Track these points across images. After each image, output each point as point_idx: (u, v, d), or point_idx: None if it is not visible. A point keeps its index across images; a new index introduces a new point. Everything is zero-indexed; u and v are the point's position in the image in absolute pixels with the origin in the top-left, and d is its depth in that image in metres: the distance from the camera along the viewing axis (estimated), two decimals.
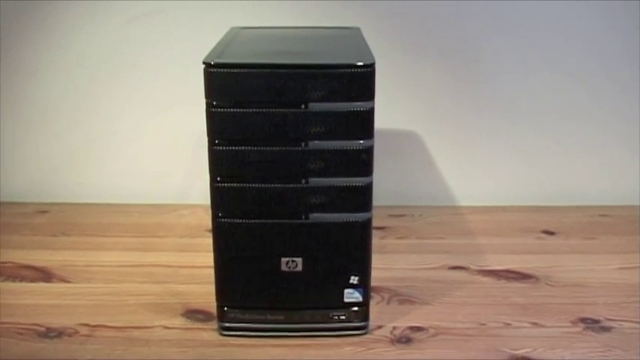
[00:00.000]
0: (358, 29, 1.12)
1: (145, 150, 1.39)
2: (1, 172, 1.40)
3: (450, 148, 1.39)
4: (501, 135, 1.38)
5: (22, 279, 1.10)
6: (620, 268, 1.13)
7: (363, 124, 0.86)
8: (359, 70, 0.85)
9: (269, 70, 0.84)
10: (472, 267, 1.14)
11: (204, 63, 0.84)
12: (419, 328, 0.96)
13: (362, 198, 0.89)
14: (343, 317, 0.93)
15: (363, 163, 0.88)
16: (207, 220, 1.08)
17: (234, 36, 1.05)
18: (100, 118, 1.37)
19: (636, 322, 0.97)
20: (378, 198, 0.91)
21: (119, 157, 1.39)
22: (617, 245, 1.21)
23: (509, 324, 0.97)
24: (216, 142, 0.87)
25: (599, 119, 1.37)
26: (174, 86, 1.34)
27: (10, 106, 1.37)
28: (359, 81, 0.85)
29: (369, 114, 0.86)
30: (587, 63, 1.34)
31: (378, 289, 1.05)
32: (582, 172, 1.39)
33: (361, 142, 0.87)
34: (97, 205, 1.37)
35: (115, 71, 1.34)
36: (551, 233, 1.27)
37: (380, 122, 0.88)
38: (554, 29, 1.32)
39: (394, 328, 0.96)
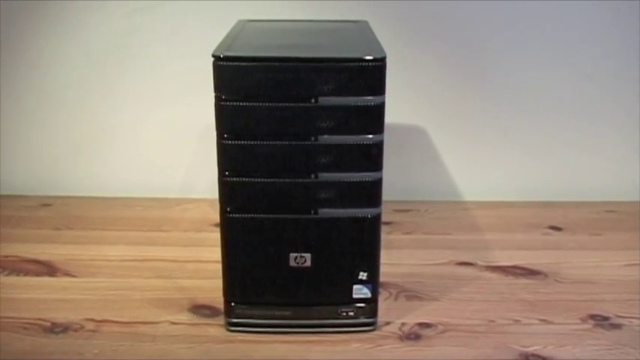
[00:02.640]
0: (366, 22, 1.11)
1: (149, 143, 1.38)
2: (3, 165, 1.39)
3: (456, 143, 1.38)
4: (507, 130, 1.37)
5: (26, 273, 1.09)
6: (628, 265, 1.12)
7: (374, 118, 0.85)
8: (370, 64, 0.83)
9: (279, 64, 0.83)
10: (479, 263, 1.13)
11: (213, 56, 0.83)
12: (427, 325, 0.95)
13: (371, 193, 0.88)
14: (351, 313, 0.93)
15: (372, 158, 0.87)
16: (211, 215, 1.08)
17: (241, 29, 1.03)
18: (104, 110, 1.36)
19: None
20: (384, 193, 0.90)
21: (123, 150, 1.39)
22: (623, 241, 1.21)
23: (518, 320, 0.97)
24: (225, 136, 0.85)
25: (606, 114, 1.36)
26: (179, 79, 1.33)
27: (13, 97, 1.36)
28: (370, 75, 0.84)
29: (380, 108, 0.85)
30: (594, 59, 1.33)
31: (385, 285, 1.04)
32: (588, 168, 1.39)
33: (371, 136, 0.86)
34: (101, 198, 1.36)
35: (119, 63, 1.34)
36: (557, 229, 1.26)
37: (386, 117, 0.87)
38: (561, 25, 1.31)
39: (403, 324, 0.95)
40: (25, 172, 1.39)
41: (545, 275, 1.09)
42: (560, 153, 1.38)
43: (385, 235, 1.18)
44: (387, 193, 0.92)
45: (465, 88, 1.35)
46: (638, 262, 1.13)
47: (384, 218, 0.92)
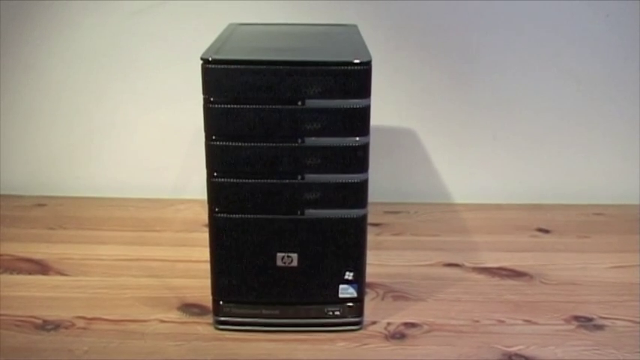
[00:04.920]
0: (355, 26, 1.12)
1: (142, 144, 1.39)
2: None
3: (446, 146, 1.39)
4: (496, 133, 1.38)
5: (20, 271, 1.10)
6: (614, 267, 1.14)
7: (359, 121, 0.87)
8: (355, 67, 0.85)
9: (266, 67, 0.85)
10: (467, 264, 1.14)
11: (202, 59, 0.85)
12: (413, 325, 0.97)
13: (357, 194, 0.90)
14: (338, 313, 0.94)
15: (358, 159, 0.88)
16: (203, 215, 1.09)
17: (231, 32, 1.05)
18: (97, 112, 1.38)
19: (629, 321, 0.98)
20: (374, 194, 0.92)
21: (116, 152, 1.40)
22: (610, 244, 1.22)
23: (502, 321, 0.98)
24: (213, 137, 0.87)
25: (594, 118, 1.37)
26: (171, 81, 1.34)
27: (8, 99, 1.37)
28: (355, 78, 0.85)
29: (365, 111, 0.87)
30: (583, 62, 1.34)
31: (372, 285, 1.05)
32: (577, 171, 1.40)
33: (357, 139, 0.87)
34: (95, 198, 1.37)
35: (112, 66, 1.35)
36: (545, 231, 1.27)
37: (376, 119, 0.89)
38: (552, 28, 1.33)
39: (388, 324, 0.97)
40: (20, 173, 1.41)
41: (531, 277, 1.10)
42: (548, 156, 1.39)
43: (374, 237, 1.20)
44: (377, 195, 0.93)
45: (454, 91, 1.36)
46: (623, 264, 1.14)
47: (373, 220, 0.93)
